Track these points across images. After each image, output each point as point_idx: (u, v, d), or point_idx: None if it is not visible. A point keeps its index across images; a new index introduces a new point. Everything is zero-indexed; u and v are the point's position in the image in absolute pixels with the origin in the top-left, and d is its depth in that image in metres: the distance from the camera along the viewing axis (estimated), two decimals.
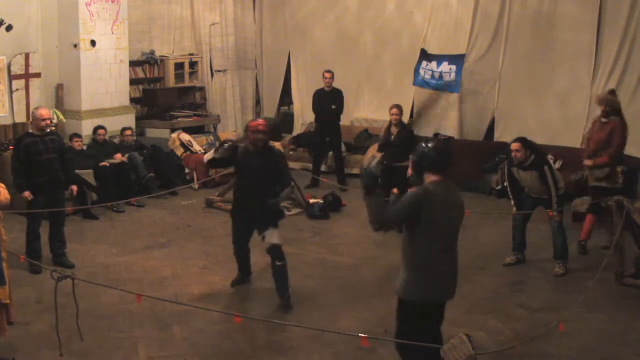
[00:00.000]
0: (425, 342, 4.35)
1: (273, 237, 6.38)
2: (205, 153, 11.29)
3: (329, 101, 11.10)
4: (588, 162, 7.89)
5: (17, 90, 9.93)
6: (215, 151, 6.63)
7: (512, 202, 7.63)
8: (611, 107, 7.77)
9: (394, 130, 8.97)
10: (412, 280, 4.38)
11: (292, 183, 8.27)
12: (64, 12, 10.35)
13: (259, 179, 6.36)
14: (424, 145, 4.40)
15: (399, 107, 9.01)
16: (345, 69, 12.76)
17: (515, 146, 7.24)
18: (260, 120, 6.68)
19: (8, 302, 5.29)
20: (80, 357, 5.36)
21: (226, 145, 6.75)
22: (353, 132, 12.60)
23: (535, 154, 7.25)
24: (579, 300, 6.31)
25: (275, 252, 6.39)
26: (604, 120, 7.80)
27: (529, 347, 5.39)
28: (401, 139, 8.81)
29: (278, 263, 6.37)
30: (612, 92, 8.21)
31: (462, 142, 11.61)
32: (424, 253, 4.35)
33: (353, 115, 12.92)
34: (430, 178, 4.36)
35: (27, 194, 7.11)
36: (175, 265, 7.54)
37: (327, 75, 11.15)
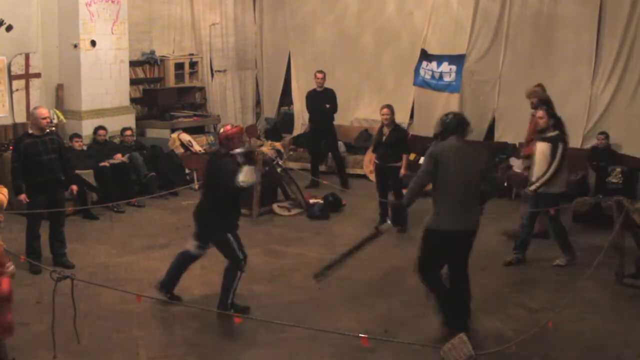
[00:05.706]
0: (434, 261, 5.58)
1: None
2: (205, 153, 11.37)
3: (321, 101, 11.08)
4: (524, 152, 8.26)
5: (17, 90, 9.92)
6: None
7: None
8: (538, 98, 8.06)
9: (386, 130, 8.80)
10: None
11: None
12: (64, 12, 10.34)
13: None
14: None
15: (389, 107, 8.82)
16: (345, 69, 12.77)
17: (539, 113, 7.46)
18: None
19: None
20: (79, 357, 5.36)
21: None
22: (353, 132, 12.61)
23: (559, 129, 7.42)
24: (578, 300, 6.33)
25: None
26: (533, 111, 8.02)
27: (529, 347, 5.39)
28: (393, 139, 8.73)
29: None
30: (539, 85, 8.49)
31: None
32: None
33: (353, 115, 12.93)
34: None
35: (22, 196, 7.09)
36: None
37: (319, 75, 11.13)
